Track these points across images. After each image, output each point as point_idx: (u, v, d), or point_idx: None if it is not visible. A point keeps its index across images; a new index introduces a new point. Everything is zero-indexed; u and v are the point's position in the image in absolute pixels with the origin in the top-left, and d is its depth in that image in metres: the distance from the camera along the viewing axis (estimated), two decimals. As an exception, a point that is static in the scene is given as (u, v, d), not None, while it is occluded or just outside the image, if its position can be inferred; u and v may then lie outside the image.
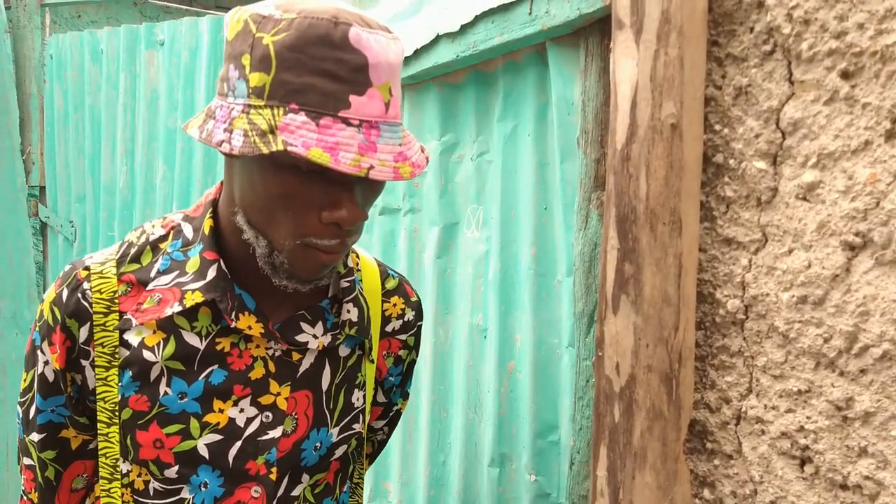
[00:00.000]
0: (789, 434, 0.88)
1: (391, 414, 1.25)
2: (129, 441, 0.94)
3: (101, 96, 3.58)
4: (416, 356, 1.23)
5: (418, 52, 1.92)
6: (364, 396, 1.08)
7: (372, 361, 1.08)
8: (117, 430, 0.94)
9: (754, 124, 0.90)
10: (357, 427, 1.07)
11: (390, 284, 1.15)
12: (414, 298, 1.18)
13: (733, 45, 0.93)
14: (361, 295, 1.06)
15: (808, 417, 0.86)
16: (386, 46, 0.81)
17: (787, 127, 0.87)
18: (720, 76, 0.94)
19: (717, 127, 0.95)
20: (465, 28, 1.72)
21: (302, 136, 0.77)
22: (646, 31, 0.93)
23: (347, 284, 1.03)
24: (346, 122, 0.79)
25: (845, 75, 0.81)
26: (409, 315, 1.16)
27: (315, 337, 0.99)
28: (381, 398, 1.19)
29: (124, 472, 0.96)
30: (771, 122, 0.88)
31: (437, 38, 1.83)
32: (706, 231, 0.97)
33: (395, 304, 1.14)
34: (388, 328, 1.14)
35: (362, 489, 1.17)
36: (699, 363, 0.98)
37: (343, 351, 1.04)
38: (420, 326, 1.19)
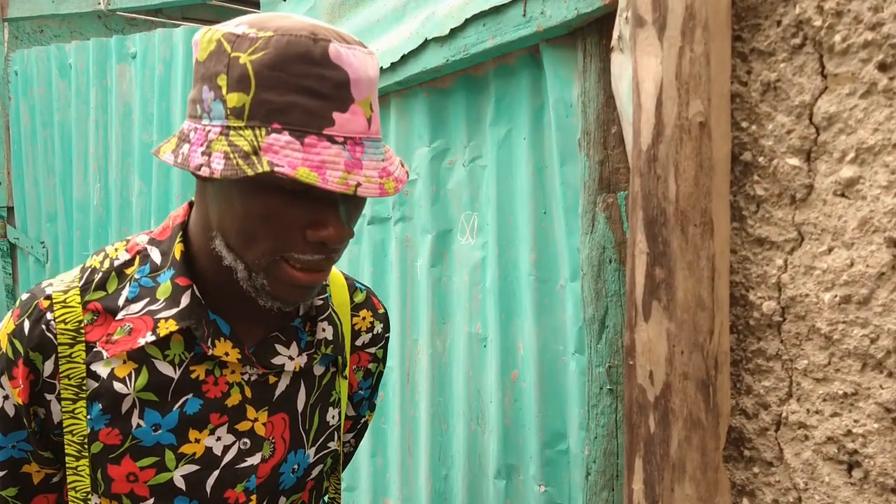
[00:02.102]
0: (835, 438, 0.85)
1: (359, 426, 1.24)
2: (99, 475, 0.90)
3: (71, 112, 3.49)
4: (384, 368, 1.21)
5: (405, 58, 1.88)
6: (339, 413, 1.06)
7: (345, 377, 1.06)
8: (87, 464, 0.90)
9: (785, 120, 0.87)
10: (333, 445, 1.05)
11: (358, 298, 1.14)
12: (381, 311, 1.17)
13: (759, 40, 0.90)
14: (334, 311, 1.04)
15: (855, 421, 0.83)
16: (364, 61, 0.80)
17: (822, 122, 0.84)
18: (745, 72, 0.92)
19: (744, 124, 0.92)
20: (454, 32, 1.69)
21: (287, 155, 0.75)
22: (669, 28, 0.90)
23: (321, 302, 1.01)
24: (331, 139, 0.77)
25: (882, 67, 0.79)
26: (378, 328, 1.15)
27: (291, 358, 0.97)
28: (350, 412, 1.18)
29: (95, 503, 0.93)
30: (804, 118, 0.86)
31: (426, 43, 1.79)
32: (735, 231, 0.94)
33: (364, 318, 1.13)
34: (358, 342, 1.12)
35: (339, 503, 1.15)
36: (732, 368, 0.95)
37: (318, 370, 1.02)
38: (388, 338, 1.18)
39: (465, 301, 1.82)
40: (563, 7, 1.39)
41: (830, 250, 0.84)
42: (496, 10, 1.55)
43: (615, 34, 1.24)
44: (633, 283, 0.95)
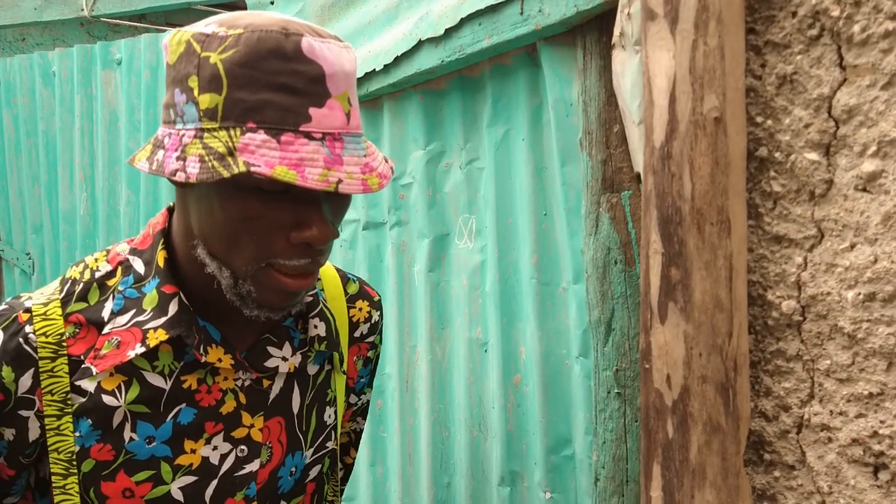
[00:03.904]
0: (861, 440, 0.82)
1: (365, 404, 1.23)
2: (92, 494, 0.87)
3: (56, 121, 3.43)
4: (381, 349, 1.20)
5: (399, 60, 1.85)
6: (335, 412, 1.05)
7: (343, 373, 1.05)
8: (76, 481, 0.87)
9: (803, 114, 0.85)
10: (330, 445, 1.04)
11: (352, 289, 1.12)
12: (376, 298, 1.16)
13: (773, 32, 0.88)
14: (326, 307, 1.02)
15: (881, 422, 0.81)
16: (340, 55, 0.78)
17: (841, 115, 0.82)
18: (759, 65, 0.89)
19: (759, 119, 0.89)
20: (449, 32, 1.66)
21: (263, 155, 0.73)
22: (682, 21, 0.87)
23: (311, 298, 0.99)
24: (309, 136, 0.75)
25: (905, 57, 0.76)
26: (375, 316, 1.14)
27: (284, 359, 0.95)
28: (353, 400, 1.16)
29: None
30: (822, 111, 0.83)
31: (420, 44, 1.77)
32: (751, 229, 0.91)
33: (360, 309, 1.12)
34: (357, 334, 1.11)
35: None
36: (751, 370, 0.92)
37: (311, 369, 1.00)
38: (382, 323, 1.17)
39: (465, 306, 1.79)
40: (562, 4, 1.36)
41: (853, 247, 0.82)
42: (492, 9, 1.52)
43: (616, 31, 1.22)
44: (648, 285, 0.93)
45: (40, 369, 0.85)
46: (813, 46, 0.84)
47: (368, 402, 1.24)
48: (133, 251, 0.92)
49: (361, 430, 1.27)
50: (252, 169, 0.71)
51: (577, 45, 1.42)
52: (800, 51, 0.85)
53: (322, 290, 1.05)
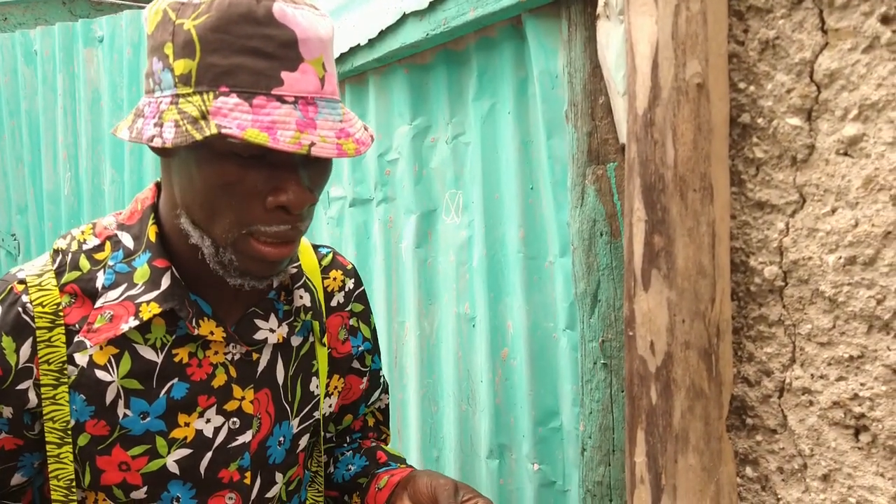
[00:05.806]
0: (842, 403, 0.83)
1: (381, 381, 1.25)
2: (88, 466, 0.89)
3: (38, 100, 3.39)
4: (374, 321, 1.21)
5: (383, 34, 1.84)
6: (320, 384, 1.06)
7: (324, 345, 1.06)
8: (70, 450, 0.88)
9: (785, 79, 0.85)
10: (316, 415, 1.06)
11: (326, 260, 1.14)
12: (349, 267, 1.17)
13: (756, -3, 0.87)
14: (308, 278, 1.04)
15: (861, 384, 0.81)
16: (315, 21, 0.79)
17: (823, 79, 0.82)
18: (742, 30, 0.89)
19: (742, 85, 0.89)
20: (434, 5, 1.65)
21: (236, 118, 0.74)
22: (664, -14, 0.87)
23: (295, 270, 1.01)
24: (281, 99, 0.76)
25: (885, 20, 0.76)
26: (350, 284, 1.15)
27: (272, 330, 0.97)
28: (356, 365, 1.17)
29: (80, 498, 0.91)
30: (804, 76, 0.83)
31: (404, 17, 1.75)
32: (734, 196, 0.91)
33: (334, 279, 1.13)
34: (333, 303, 1.12)
35: (321, 477, 1.15)
36: (734, 336, 0.93)
37: (295, 341, 1.01)
38: (363, 291, 1.18)
39: (452, 281, 1.79)
40: (547, -25, 1.35)
41: (834, 211, 0.82)
42: (477, -19, 1.51)
43: (601, 1, 1.21)
44: (631, 253, 0.93)
45: (38, 339, 0.86)
46: (795, 10, 0.84)
47: (385, 379, 1.26)
48: (121, 226, 0.93)
49: (387, 407, 1.29)
50: (223, 131, 0.73)
51: (562, 16, 1.41)
52: (782, 15, 0.85)
53: (299, 262, 1.07)
